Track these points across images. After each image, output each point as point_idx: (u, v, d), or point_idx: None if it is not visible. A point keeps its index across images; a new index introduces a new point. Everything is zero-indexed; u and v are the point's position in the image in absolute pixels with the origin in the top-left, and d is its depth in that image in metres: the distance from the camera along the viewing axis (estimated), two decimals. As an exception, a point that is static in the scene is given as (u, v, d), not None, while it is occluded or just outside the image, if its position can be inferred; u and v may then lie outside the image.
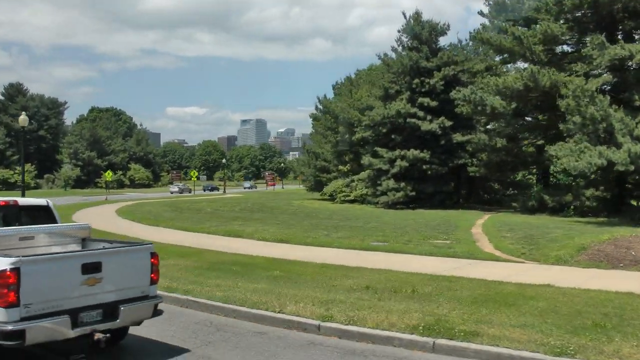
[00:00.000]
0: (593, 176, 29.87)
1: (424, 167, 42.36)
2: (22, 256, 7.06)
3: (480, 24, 41.75)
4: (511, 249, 17.82)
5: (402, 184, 42.41)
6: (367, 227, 26.17)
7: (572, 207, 33.95)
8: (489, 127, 44.68)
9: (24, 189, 31.78)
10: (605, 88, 32.44)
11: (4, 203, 9.62)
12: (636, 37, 34.52)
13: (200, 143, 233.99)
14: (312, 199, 61.85)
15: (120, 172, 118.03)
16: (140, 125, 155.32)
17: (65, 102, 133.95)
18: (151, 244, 8.80)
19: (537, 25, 36.15)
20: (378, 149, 44.23)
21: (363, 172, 48.33)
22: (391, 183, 42.69)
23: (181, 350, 8.49)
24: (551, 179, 44.72)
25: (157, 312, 8.35)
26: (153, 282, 8.28)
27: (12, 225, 9.24)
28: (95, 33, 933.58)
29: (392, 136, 44.25)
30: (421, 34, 45.47)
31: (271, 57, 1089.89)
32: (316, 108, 67.29)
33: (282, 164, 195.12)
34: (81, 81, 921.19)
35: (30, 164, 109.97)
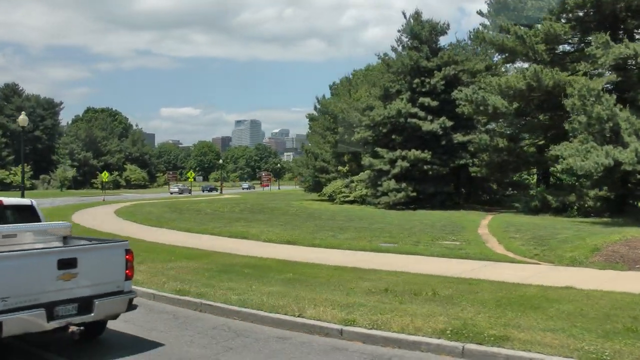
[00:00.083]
0: (596, 176, 29.60)
1: (425, 167, 42.14)
2: None
3: (480, 24, 41.71)
4: (523, 250, 17.58)
5: (403, 185, 42.17)
6: (372, 228, 25.90)
7: (575, 207, 33.78)
8: (489, 127, 44.57)
9: (23, 189, 31.42)
10: (607, 87, 32.25)
11: None
12: (637, 36, 34.39)
13: (195, 144, 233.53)
14: (311, 199, 61.55)
15: (116, 173, 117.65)
16: (136, 125, 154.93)
17: (61, 103, 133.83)
18: (126, 241, 9.11)
19: (540, 25, 36.00)
20: (378, 149, 43.98)
21: (363, 173, 48.08)
22: (392, 184, 42.44)
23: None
24: (551, 179, 44.54)
25: (131, 307, 8.63)
26: (128, 277, 8.59)
27: None
28: (89, 33, 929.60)
29: (393, 136, 44.01)
30: (421, 33, 45.24)
31: (266, 58, 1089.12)
32: (315, 108, 67.04)
33: (278, 165, 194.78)
34: (76, 82, 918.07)
35: (26, 164, 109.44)
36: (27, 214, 10.06)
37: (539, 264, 15.49)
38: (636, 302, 10.29)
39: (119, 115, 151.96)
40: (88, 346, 8.73)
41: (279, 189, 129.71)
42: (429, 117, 42.72)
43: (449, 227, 26.17)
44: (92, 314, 8.02)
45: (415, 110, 42.80)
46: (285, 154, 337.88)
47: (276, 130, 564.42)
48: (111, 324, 10.02)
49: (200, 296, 11.30)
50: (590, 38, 33.43)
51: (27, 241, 8.91)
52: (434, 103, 42.79)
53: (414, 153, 41.62)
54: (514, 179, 49.06)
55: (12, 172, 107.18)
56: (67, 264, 7.74)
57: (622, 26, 33.68)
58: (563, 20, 34.49)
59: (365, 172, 46.98)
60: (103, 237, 22.71)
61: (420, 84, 43.75)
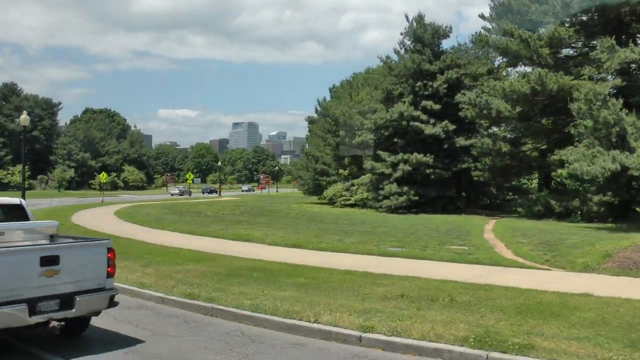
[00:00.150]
0: (602, 181, 29.44)
1: (427, 171, 41.98)
2: None
3: (482, 27, 41.37)
4: (533, 256, 17.35)
5: (405, 188, 41.98)
6: (376, 232, 25.69)
7: (579, 212, 33.62)
8: (492, 131, 44.44)
9: (23, 189, 31.14)
10: (612, 92, 32.11)
11: None
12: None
13: (193, 145, 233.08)
14: (311, 202, 61.35)
15: (114, 174, 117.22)
16: (135, 127, 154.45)
17: (60, 103, 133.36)
18: (109, 239, 9.34)
19: (543, 29, 35.86)
20: (380, 152, 43.78)
21: (364, 176, 47.90)
22: (394, 187, 42.24)
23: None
24: (553, 184, 44.40)
25: (112, 304, 8.82)
26: (109, 275, 8.79)
27: None
28: (87, 34, 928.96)
29: (395, 139, 43.85)
30: (424, 36, 45.14)
31: (263, 60, 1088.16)
32: (316, 111, 66.83)
33: (277, 167, 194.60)
34: (73, 82, 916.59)
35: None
36: (17, 213, 10.25)
37: (550, 269, 15.27)
38: (658, 310, 10.07)
39: (117, 116, 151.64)
40: (102, 350, 8.50)
41: (277, 191, 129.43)
42: (431, 121, 42.57)
43: (453, 232, 25.94)
44: (73, 310, 8.20)
45: (417, 113, 42.65)
46: (282, 156, 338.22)
47: (273, 133, 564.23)
48: (122, 327, 9.86)
49: (211, 300, 11.05)
50: (594, 42, 33.35)
51: (14, 239, 9.11)
52: (437, 106, 42.64)
53: (416, 156, 41.45)
54: (513, 183, 48.93)
55: (9, 172, 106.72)
56: (49, 261, 7.97)
57: (626, 30, 33.57)
58: (567, 24, 34.30)
59: (367, 175, 46.80)
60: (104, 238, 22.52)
61: (423, 87, 43.61)
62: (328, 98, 69.71)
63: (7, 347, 8.68)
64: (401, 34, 46.65)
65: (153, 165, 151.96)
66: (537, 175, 47.83)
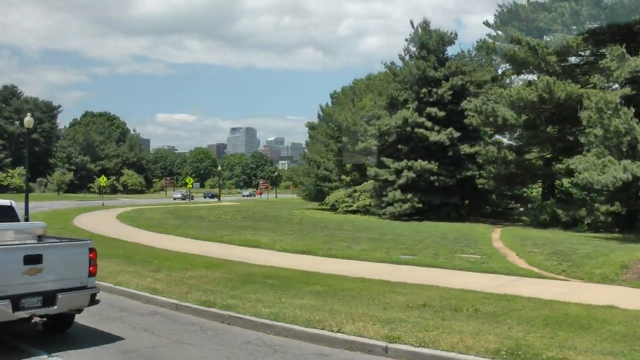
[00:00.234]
0: (612, 191, 29.16)
1: (432, 178, 41.73)
2: None
3: (487, 34, 41.15)
4: (548, 266, 17.06)
5: (409, 195, 41.73)
6: (383, 239, 25.39)
7: (586, 222, 33.36)
8: (495, 139, 44.27)
9: (27, 192, 30.84)
10: (621, 101, 31.88)
11: None
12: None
13: (192, 150, 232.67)
14: (312, 208, 61.07)
15: (114, 178, 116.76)
16: (134, 130, 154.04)
17: (59, 106, 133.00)
18: (90, 240, 9.68)
19: (549, 36, 35.72)
20: (384, 159, 43.53)
21: (367, 183, 47.65)
22: (397, 194, 41.97)
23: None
24: (557, 193, 44.14)
25: (94, 302, 9.17)
26: (91, 274, 9.13)
27: None
28: (85, 37, 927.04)
29: (399, 146, 43.63)
30: (429, 43, 44.95)
31: (261, 66, 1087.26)
32: (318, 116, 66.62)
33: (276, 173, 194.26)
34: (71, 85, 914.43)
35: (23, 167, 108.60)
36: (7, 214, 10.62)
37: (568, 280, 15.00)
38: (690, 324, 9.79)
39: (116, 119, 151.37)
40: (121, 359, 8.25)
41: (276, 197, 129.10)
42: (436, 128, 42.36)
43: (461, 240, 25.65)
44: (55, 307, 8.57)
45: (422, 120, 42.45)
46: (280, 162, 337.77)
47: (271, 138, 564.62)
48: (138, 334, 9.58)
49: (227, 308, 10.76)
50: (603, 50, 33.14)
51: (5, 239, 9.38)
52: (441, 113, 42.44)
53: (420, 163, 41.22)
54: (516, 192, 48.66)
55: (9, 174, 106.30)
56: (32, 260, 8.33)
57: (636, 39, 33.25)
58: (575, 33, 34.12)
59: (370, 182, 46.54)
60: (112, 244, 22.24)
61: (428, 93, 43.41)
62: (328, 104, 69.60)
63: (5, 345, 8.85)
64: (406, 39, 46.51)
65: (152, 170, 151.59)
66: (538, 184, 47.61)
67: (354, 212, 49.16)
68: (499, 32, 40.51)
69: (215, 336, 9.55)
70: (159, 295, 12.22)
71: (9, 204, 10.87)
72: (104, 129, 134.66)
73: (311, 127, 77.96)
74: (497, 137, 45.63)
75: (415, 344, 8.51)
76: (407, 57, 46.40)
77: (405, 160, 42.25)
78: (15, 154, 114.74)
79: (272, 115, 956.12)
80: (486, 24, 41.71)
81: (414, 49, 46.19)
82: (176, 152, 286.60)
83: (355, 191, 50.58)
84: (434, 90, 43.31)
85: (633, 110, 27.34)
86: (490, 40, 40.62)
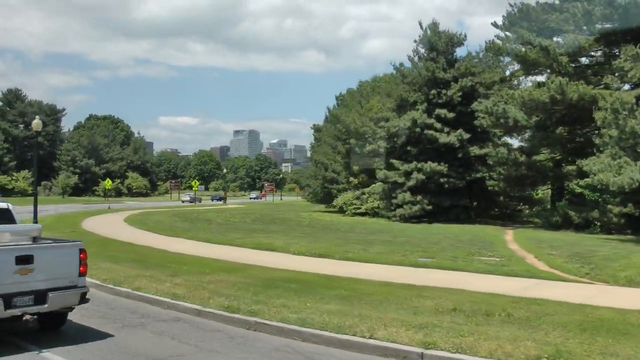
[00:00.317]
0: (628, 192, 28.88)
1: (441, 180, 41.48)
2: None
3: (495, 35, 40.95)
4: (569, 268, 16.81)
5: (419, 197, 41.50)
6: (397, 241, 25.17)
7: (598, 224, 33.11)
8: (502, 140, 44.06)
9: (35, 196, 30.62)
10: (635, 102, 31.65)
11: None
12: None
13: (196, 153, 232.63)
14: (318, 211, 60.84)
15: (118, 181, 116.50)
16: (138, 133, 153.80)
17: (64, 109, 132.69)
18: (80, 241, 9.90)
19: (561, 37, 35.49)
20: (393, 161, 43.28)
21: (376, 185, 47.41)
22: (407, 196, 41.73)
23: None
24: (566, 194, 43.86)
25: (84, 300, 9.44)
26: (81, 274, 9.42)
27: None
28: (87, 41, 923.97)
29: (408, 148, 43.39)
30: (438, 44, 44.76)
31: (264, 68, 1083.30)
32: (326, 118, 66.39)
33: (281, 175, 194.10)
34: (73, 89, 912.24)
35: (27, 170, 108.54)
36: (4, 217, 10.84)
37: (593, 283, 14.76)
38: None
39: (121, 122, 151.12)
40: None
41: (280, 199, 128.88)
42: (446, 129, 42.12)
43: (476, 242, 25.42)
44: (46, 305, 8.85)
45: (431, 121, 42.23)
46: (283, 164, 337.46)
47: (274, 141, 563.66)
48: (164, 341, 9.33)
49: (253, 314, 10.50)
50: (615, 51, 32.92)
51: (2, 240, 9.51)
52: (451, 115, 42.21)
53: (430, 165, 40.99)
54: (526, 193, 48.38)
55: (13, 177, 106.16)
56: (24, 260, 8.63)
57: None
58: (586, 33, 33.89)
59: (378, 184, 46.28)
60: (124, 248, 22.03)
61: (437, 95, 43.20)
62: (332, 106, 69.47)
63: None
64: (415, 41, 46.36)
65: (156, 172, 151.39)
66: (544, 185, 47.34)
67: (362, 214, 48.94)
68: (507, 33, 40.35)
69: (243, 343, 9.29)
70: (180, 301, 11.95)
71: (6, 207, 11.12)
72: (109, 132, 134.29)
73: (316, 129, 77.81)
74: (505, 138, 45.46)
75: (452, 350, 8.26)
76: (416, 59, 46.23)
77: (414, 162, 42.04)
78: (20, 157, 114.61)
79: (275, 117, 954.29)
80: (494, 25, 41.55)
81: (422, 51, 46.02)
82: (180, 154, 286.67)
83: (363, 193, 50.35)
84: (443, 91, 43.10)
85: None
86: (499, 42, 40.45)
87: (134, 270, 15.56)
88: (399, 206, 42.36)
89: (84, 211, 53.32)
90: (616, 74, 31.30)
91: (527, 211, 49.06)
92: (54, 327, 9.89)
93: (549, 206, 43.90)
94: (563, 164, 39.99)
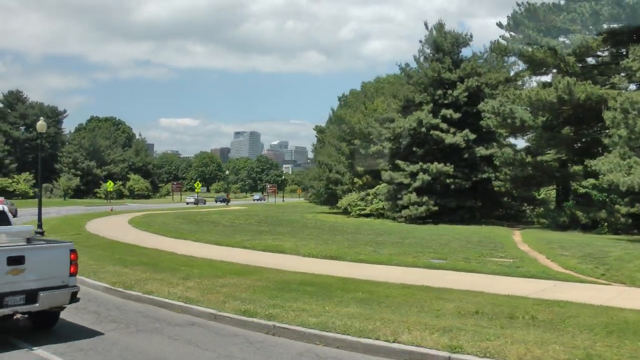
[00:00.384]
0: (631, 193, 28.75)
1: (447, 180, 41.29)
2: None
3: (500, 36, 40.78)
4: (584, 269, 16.59)
5: (425, 198, 41.29)
6: (407, 243, 24.98)
7: (605, 224, 32.94)
8: (512, 141, 43.95)
9: (40, 199, 30.38)
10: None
11: None
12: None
13: (197, 154, 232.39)
14: (322, 212, 60.64)
15: (120, 183, 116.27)
16: (139, 135, 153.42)
17: (65, 111, 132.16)
18: (71, 242, 10.10)
19: (567, 37, 35.31)
20: (399, 162, 43.08)
21: (380, 186, 47.20)
22: (413, 197, 41.52)
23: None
24: (571, 195, 43.62)
25: (74, 299, 9.66)
26: (72, 274, 9.64)
27: None
28: (87, 43, 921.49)
29: (414, 148, 43.20)
30: (443, 44, 44.58)
31: (264, 70, 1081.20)
32: (329, 119, 66.20)
33: (282, 177, 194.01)
34: (73, 91, 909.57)
35: (28, 172, 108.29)
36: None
37: (610, 284, 14.55)
38: None
39: (122, 124, 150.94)
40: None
41: (283, 200, 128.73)
42: (452, 130, 41.93)
43: (486, 243, 25.22)
44: (37, 304, 9.06)
45: (437, 121, 42.03)
46: (284, 166, 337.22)
47: (275, 142, 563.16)
48: (182, 347, 9.16)
49: (271, 318, 10.30)
50: (622, 51, 32.76)
51: None
52: (457, 115, 42.02)
53: (436, 166, 40.80)
54: (532, 194, 48.19)
55: (14, 180, 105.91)
56: (15, 261, 8.85)
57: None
58: (594, 33, 33.71)
59: (383, 185, 46.07)
60: (132, 250, 21.84)
61: (443, 95, 43.03)
62: (335, 107, 69.33)
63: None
64: (420, 41, 46.17)
65: (158, 174, 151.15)
66: (550, 186, 47.15)
67: (367, 215, 48.71)
68: (512, 34, 40.19)
69: (263, 348, 9.10)
70: (194, 305, 11.76)
71: (1, 209, 11.38)
72: (110, 133, 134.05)
73: (319, 130, 77.64)
74: (509, 139, 45.29)
75: (479, 354, 8.09)
76: (421, 59, 46.03)
77: (420, 163, 41.84)
78: (21, 159, 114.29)
79: (276, 119, 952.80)
80: (499, 25, 41.42)
81: (428, 51, 45.83)
82: (180, 156, 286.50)
83: (368, 194, 50.14)
84: (449, 92, 42.94)
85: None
86: (504, 42, 40.31)
87: (144, 274, 15.38)
88: (405, 207, 42.15)
89: (87, 213, 53.14)
90: (624, 74, 31.11)
91: (530, 212, 48.88)
92: (46, 326, 10.07)
93: (551, 206, 43.69)
94: (569, 165, 39.79)
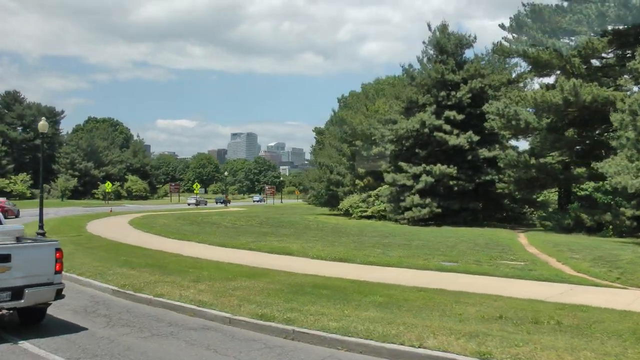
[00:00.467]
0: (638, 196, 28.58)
1: (451, 182, 41.08)
2: None
3: (502, 37, 40.52)
4: (597, 273, 16.39)
5: (428, 200, 41.08)
6: (414, 245, 24.77)
7: (610, 227, 32.77)
8: (515, 142, 43.80)
9: (42, 198, 30.09)
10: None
11: None
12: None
13: (194, 155, 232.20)
14: (323, 214, 60.45)
15: (118, 184, 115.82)
16: (137, 136, 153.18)
17: (62, 112, 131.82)
18: (57, 240, 10.47)
19: (572, 39, 35.15)
20: (402, 163, 42.87)
21: (383, 187, 46.99)
22: (416, 199, 41.33)
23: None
24: (574, 197, 43.46)
25: (59, 296, 9.99)
26: (57, 272, 9.92)
27: None
28: (85, 44, 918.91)
29: (416, 150, 43.00)
30: (447, 46, 44.39)
31: (261, 71, 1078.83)
32: (331, 120, 66.01)
33: (280, 178, 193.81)
34: (71, 92, 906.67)
35: (25, 173, 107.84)
36: None
37: (627, 288, 14.34)
38: None
39: (120, 125, 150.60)
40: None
41: (281, 202, 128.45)
42: (455, 132, 41.74)
43: (493, 246, 25.01)
44: (23, 301, 9.38)
45: (440, 123, 41.83)
46: (281, 167, 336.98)
47: (272, 144, 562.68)
48: (200, 352, 8.91)
49: (289, 322, 10.04)
50: (628, 52, 32.60)
51: None
52: (460, 116, 41.84)
53: (439, 168, 40.61)
54: (534, 196, 48.00)
55: (11, 180, 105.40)
56: (2, 259, 9.13)
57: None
58: (599, 34, 33.55)
59: (386, 187, 45.86)
60: (137, 252, 21.59)
61: (446, 97, 42.84)
62: (334, 108, 69.21)
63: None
64: (424, 42, 46.02)
65: (156, 175, 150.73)
66: (554, 188, 46.98)
67: (369, 217, 48.51)
68: (515, 35, 39.99)
69: (284, 354, 8.85)
70: (208, 308, 11.49)
71: None
72: (108, 134, 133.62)
73: (319, 132, 77.49)
74: (511, 141, 45.17)
75: (510, 361, 7.85)
76: (425, 60, 45.84)
77: (423, 165, 41.64)
78: (18, 160, 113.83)
79: (273, 120, 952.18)
80: (501, 27, 41.19)
81: (431, 52, 45.64)
82: (178, 157, 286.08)
83: (369, 196, 49.94)
84: (453, 93, 42.74)
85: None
86: (506, 44, 40.11)
87: (153, 276, 15.12)
88: (408, 209, 41.95)
89: (86, 214, 52.80)
90: (630, 76, 30.94)
91: (531, 214, 48.74)
92: (32, 322, 10.34)
93: (551, 209, 43.56)
94: (572, 167, 39.63)
